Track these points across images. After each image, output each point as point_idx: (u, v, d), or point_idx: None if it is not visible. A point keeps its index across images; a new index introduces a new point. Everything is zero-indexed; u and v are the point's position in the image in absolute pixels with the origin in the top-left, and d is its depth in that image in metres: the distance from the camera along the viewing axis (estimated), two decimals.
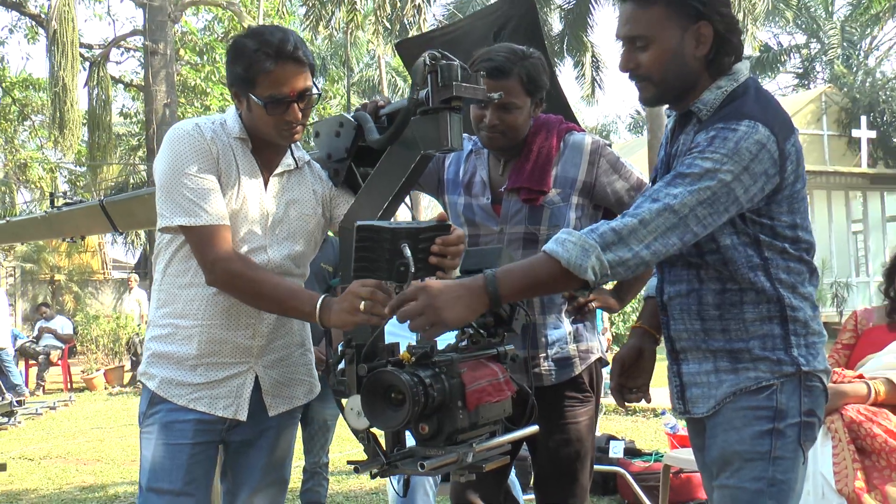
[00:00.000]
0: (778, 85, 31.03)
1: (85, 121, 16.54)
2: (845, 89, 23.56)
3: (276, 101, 2.38)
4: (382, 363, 2.10)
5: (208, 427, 2.47)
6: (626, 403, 2.47)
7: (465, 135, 2.76)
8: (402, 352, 2.14)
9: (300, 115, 2.44)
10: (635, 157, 20.70)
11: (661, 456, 5.29)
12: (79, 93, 15.33)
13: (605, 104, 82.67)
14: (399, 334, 2.26)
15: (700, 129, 2.14)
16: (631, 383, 2.39)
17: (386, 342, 2.23)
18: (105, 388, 14.58)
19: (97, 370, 15.07)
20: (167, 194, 2.40)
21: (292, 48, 2.38)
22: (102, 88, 16.28)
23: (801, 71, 30.34)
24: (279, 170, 2.56)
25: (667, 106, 2.36)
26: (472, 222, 2.87)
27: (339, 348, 2.22)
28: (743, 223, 2.11)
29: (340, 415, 5.03)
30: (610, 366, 2.46)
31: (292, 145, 2.59)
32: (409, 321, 2.00)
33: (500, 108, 2.69)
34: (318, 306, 2.26)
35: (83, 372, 15.22)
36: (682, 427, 5.53)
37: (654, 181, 2.30)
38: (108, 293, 26.46)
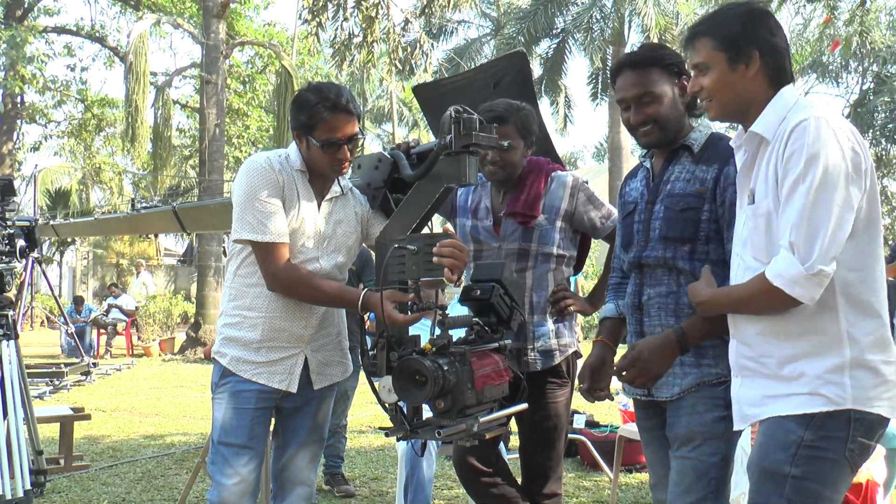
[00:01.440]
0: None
1: (150, 135, 16.50)
2: None
3: (331, 143, 2.49)
4: (409, 351, 2.17)
5: (267, 396, 2.55)
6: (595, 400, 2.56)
7: None
8: (423, 343, 2.20)
9: (349, 154, 2.53)
10: (598, 181, 20.80)
11: (616, 428, 5.35)
12: (147, 112, 15.27)
13: (574, 136, 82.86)
14: (419, 327, 2.34)
15: (695, 161, 2.32)
16: (597, 385, 2.49)
17: (410, 334, 2.30)
18: (159, 356, 14.57)
19: (153, 340, 15.06)
20: (241, 213, 2.48)
21: (345, 102, 2.49)
22: (165, 109, 16.25)
23: None
24: (329, 195, 2.64)
25: (643, 151, 2.49)
26: (477, 240, 2.95)
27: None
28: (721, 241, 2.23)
29: (357, 386, 5.13)
30: (580, 371, 2.56)
31: (339, 178, 2.67)
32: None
33: (501, 151, 2.77)
34: (360, 301, 2.41)
35: (142, 341, 15.20)
36: (632, 406, 5.59)
37: (631, 207, 2.44)
38: (161, 276, 26.40)
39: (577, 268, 3.08)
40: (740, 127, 2.06)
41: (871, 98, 22.58)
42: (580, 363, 2.74)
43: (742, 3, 2.02)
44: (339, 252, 2.64)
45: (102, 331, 14.58)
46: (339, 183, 2.67)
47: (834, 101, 24.19)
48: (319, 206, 2.61)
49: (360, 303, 2.40)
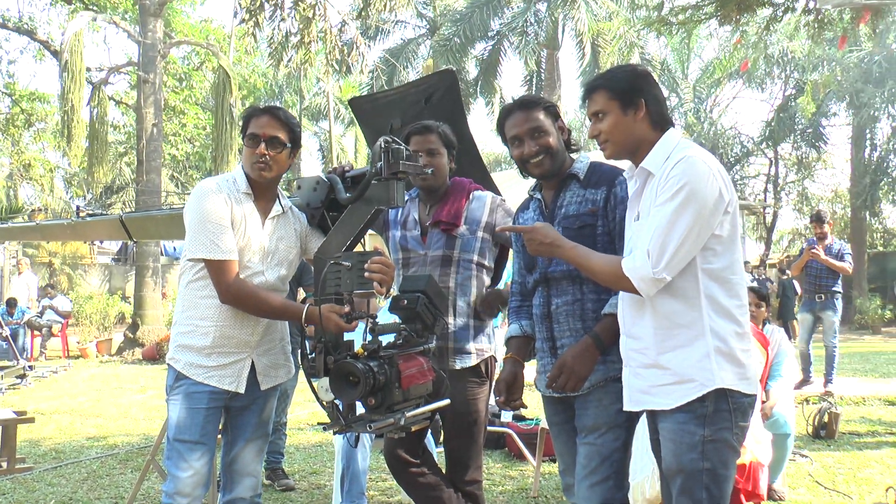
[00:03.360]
0: None
1: (86, 133, 16.27)
2: (694, 135, 24.36)
3: (252, 137, 2.81)
4: (344, 355, 2.43)
5: (217, 396, 2.80)
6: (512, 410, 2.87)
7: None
8: (356, 348, 2.47)
9: (266, 152, 2.79)
10: (530, 181, 21.20)
11: (539, 421, 5.66)
12: (82, 111, 15.09)
13: None
14: (353, 333, 2.62)
15: (583, 186, 2.71)
16: (511, 397, 2.80)
17: (345, 339, 2.55)
18: (96, 357, 14.43)
19: (90, 341, 14.90)
20: (195, 234, 2.74)
21: (272, 107, 2.87)
22: (101, 107, 16.06)
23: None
24: (272, 214, 2.90)
25: (532, 186, 2.88)
26: (405, 248, 3.24)
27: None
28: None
29: (296, 386, 5.33)
30: (495, 385, 2.85)
31: (280, 196, 2.93)
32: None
33: (428, 154, 3.15)
34: (304, 314, 2.68)
35: (78, 343, 15.02)
36: None
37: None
38: (95, 275, 25.90)
39: (494, 280, 3.36)
40: (630, 163, 2.45)
41: (793, 104, 23.61)
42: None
43: (629, 65, 2.48)
44: (282, 265, 2.91)
45: (36, 333, 14.37)
46: (280, 203, 2.93)
47: (759, 106, 25.10)
48: (264, 224, 2.87)
49: (303, 316, 2.67)
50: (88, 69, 17.88)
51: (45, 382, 10.74)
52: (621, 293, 2.41)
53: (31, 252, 23.47)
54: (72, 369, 12.45)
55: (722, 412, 2.20)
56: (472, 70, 23.74)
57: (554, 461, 5.56)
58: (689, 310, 2.23)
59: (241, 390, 2.83)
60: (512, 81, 31.02)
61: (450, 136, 3.25)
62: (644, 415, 2.45)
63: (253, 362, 2.87)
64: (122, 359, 13.87)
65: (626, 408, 2.41)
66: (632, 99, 2.34)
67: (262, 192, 2.88)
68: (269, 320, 2.88)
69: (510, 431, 5.80)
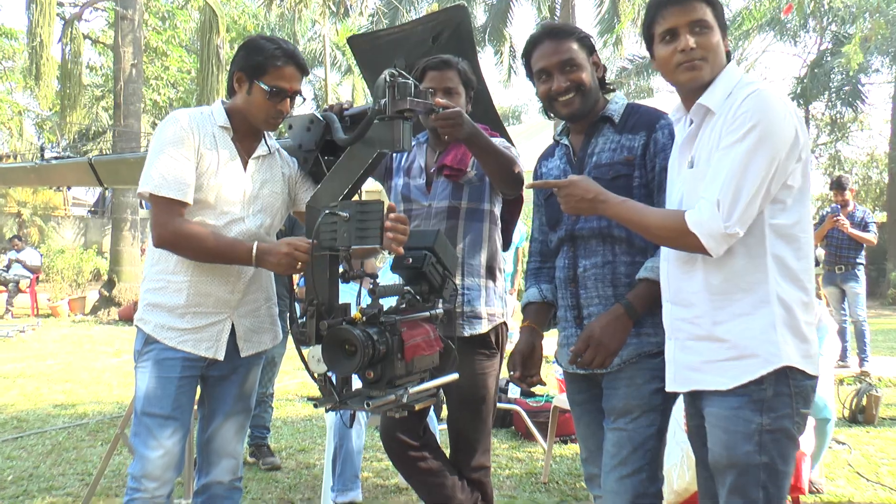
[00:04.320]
0: (666, 84, 31.43)
1: (57, 73, 16.00)
2: None
3: (279, 91, 2.60)
4: (339, 321, 2.25)
5: (192, 364, 2.62)
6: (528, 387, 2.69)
7: None
8: (353, 312, 2.29)
9: (289, 110, 2.64)
10: (543, 136, 20.93)
11: (551, 398, 5.55)
12: (53, 48, 14.81)
13: (519, 88, 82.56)
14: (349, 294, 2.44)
15: (618, 131, 2.49)
16: (528, 372, 2.63)
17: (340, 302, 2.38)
18: (69, 316, 14.33)
19: (62, 299, 14.80)
20: (147, 167, 2.56)
21: (300, 58, 2.65)
22: (74, 45, 15.77)
23: None
24: (256, 154, 2.71)
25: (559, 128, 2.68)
26: (407, 198, 3.07)
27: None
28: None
29: (284, 353, 5.21)
30: (509, 358, 2.69)
31: (266, 136, 2.76)
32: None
33: (446, 94, 2.95)
34: (254, 254, 2.49)
35: (49, 300, 14.92)
36: None
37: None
38: (70, 228, 25.75)
39: (506, 243, 3.21)
40: (678, 102, 2.24)
41: (829, 59, 23.22)
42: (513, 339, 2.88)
43: None
44: (266, 213, 2.72)
45: (2, 288, 14.27)
46: (266, 142, 2.75)
47: (791, 61, 24.72)
48: (245, 165, 2.69)
49: (253, 256, 2.49)
50: (60, 3, 17.59)
51: (9, 343, 10.67)
52: (663, 253, 2.22)
53: None
54: (41, 329, 12.39)
55: (782, 396, 2.01)
56: (480, 16, 23.38)
57: (566, 442, 5.53)
58: (753, 271, 2.04)
59: (220, 357, 2.66)
60: (523, 29, 30.68)
61: (470, 74, 3.07)
62: (680, 397, 2.27)
63: (233, 325, 2.69)
64: (96, 318, 13.78)
65: (669, 388, 2.23)
66: (723, 23, 2.15)
67: (246, 130, 2.69)
68: (251, 277, 2.70)
69: (518, 408, 5.68)
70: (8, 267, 14.57)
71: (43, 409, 6.65)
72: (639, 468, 2.34)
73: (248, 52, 2.64)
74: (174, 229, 2.52)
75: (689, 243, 2.03)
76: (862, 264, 8.42)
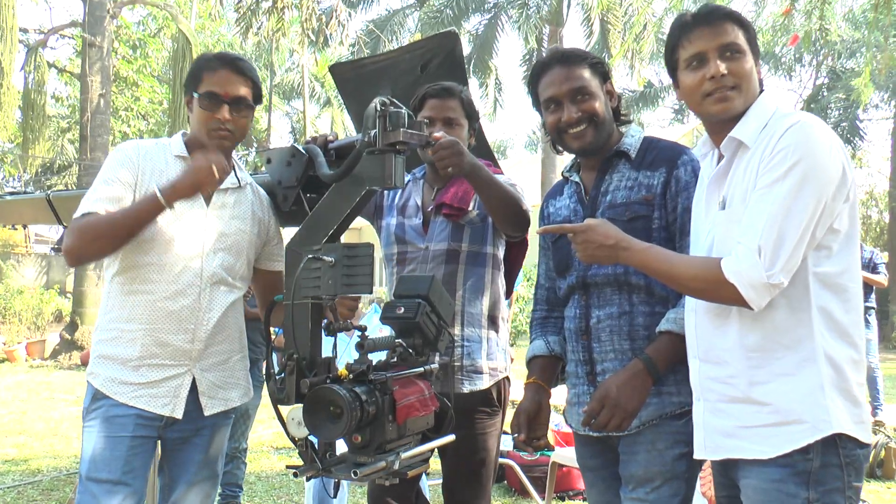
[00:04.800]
0: (657, 118, 31.84)
1: (19, 103, 15.87)
2: None
3: (212, 96, 2.50)
4: (323, 378, 2.11)
5: (147, 422, 2.46)
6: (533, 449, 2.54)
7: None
8: (339, 368, 2.14)
9: (229, 117, 2.52)
10: (529, 172, 21.00)
11: (549, 451, 5.39)
12: (15, 76, 14.69)
13: (504, 122, 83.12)
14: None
15: (635, 167, 2.36)
16: (534, 434, 2.47)
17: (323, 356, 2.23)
18: (26, 360, 14.02)
19: (19, 342, 14.48)
20: (89, 191, 2.48)
21: (237, 59, 2.56)
22: (39, 73, 15.66)
23: (677, 107, 31.23)
24: (222, 186, 2.58)
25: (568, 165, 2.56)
26: (401, 240, 2.93)
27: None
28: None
29: (259, 404, 5.03)
30: (513, 419, 2.54)
31: (236, 168, 2.65)
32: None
33: (446, 125, 2.83)
34: (158, 194, 2.35)
35: (4, 344, 14.60)
36: (564, 424, 5.64)
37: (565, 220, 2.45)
38: (31, 266, 25.39)
39: (508, 290, 3.07)
40: (704, 135, 2.12)
41: (826, 94, 23.49)
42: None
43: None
44: (229, 252, 2.59)
45: None
46: (235, 174, 2.64)
47: (786, 96, 25.05)
48: (210, 199, 2.58)
49: (160, 197, 2.35)
50: (24, 30, 17.50)
51: None
52: (690, 304, 2.07)
53: None
54: None
55: (831, 468, 1.86)
56: (465, 46, 23.51)
57: (563, 499, 5.38)
58: (796, 326, 1.89)
59: (178, 415, 2.49)
60: (509, 60, 30.94)
61: (473, 104, 2.96)
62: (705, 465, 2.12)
63: (194, 379, 2.52)
64: (56, 363, 13.48)
65: (698, 455, 2.07)
66: (756, 49, 2.04)
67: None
68: (215, 324, 2.53)
69: (511, 463, 5.51)
70: None
71: None
72: None
73: (190, 70, 2.60)
74: (70, 229, 2.41)
75: (726, 295, 1.89)
76: (873, 308, 8.33)
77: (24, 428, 7.90)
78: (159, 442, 2.56)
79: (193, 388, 2.52)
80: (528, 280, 14.10)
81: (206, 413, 2.54)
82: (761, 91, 2.04)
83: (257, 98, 2.61)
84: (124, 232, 2.39)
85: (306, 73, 25.52)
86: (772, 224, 1.83)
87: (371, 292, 2.15)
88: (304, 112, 26.08)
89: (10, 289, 17.42)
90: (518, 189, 2.88)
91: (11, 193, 4.52)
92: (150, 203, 2.36)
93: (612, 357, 2.32)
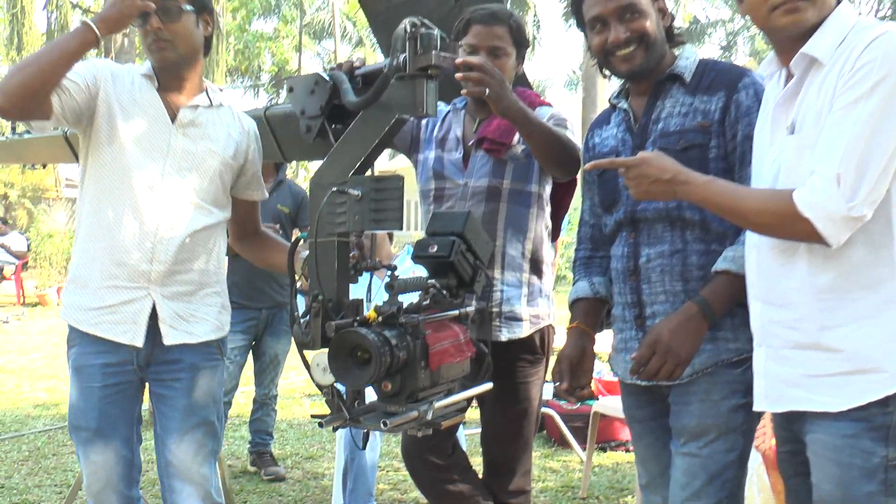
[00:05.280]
0: (703, 55, 31.15)
1: (41, 44, 15.89)
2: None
3: (142, 13, 2.41)
4: (349, 322, 2.02)
5: (116, 369, 2.44)
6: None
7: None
8: (367, 311, 2.04)
9: (158, 24, 2.43)
10: (569, 113, 20.65)
11: (591, 401, 5.31)
12: (36, 15, 14.67)
13: (543, 61, 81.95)
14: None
15: (690, 91, 2.20)
16: (577, 383, 2.37)
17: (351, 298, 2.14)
18: (57, 304, 14.21)
19: (50, 286, 14.70)
20: None
21: None
22: (61, 14, 15.63)
23: (724, 44, 30.49)
24: (190, 103, 2.54)
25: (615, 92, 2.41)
26: (439, 175, 2.83)
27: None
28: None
29: (289, 350, 5.01)
30: (554, 367, 2.44)
31: (210, 89, 2.61)
32: None
33: (491, 54, 2.67)
34: (91, 23, 2.31)
35: (36, 287, 14.82)
36: (606, 372, 5.56)
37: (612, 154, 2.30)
38: (62, 211, 25.72)
39: (555, 232, 2.96)
40: (771, 53, 1.96)
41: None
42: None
43: None
44: (196, 172, 2.52)
45: None
46: (208, 94, 2.58)
47: None
48: (174, 116, 2.52)
49: (94, 27, 2.29)
50: None
51: None
52: (752, 240, 1.93)
53: None
54: (26, 319, 12.32)
55: None
56: None
57: (605, 450, 5.32)
58: (876, 265, 1.73)
59: (139, 343, 2.43)
60: None
61: (523, 31, 2.80)
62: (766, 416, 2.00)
63: (155, 305, 2.45)
64: None
65: (758, 406, 1.94)
66: None
67: (175, 80, 2.53)
68: (178, 247, 2.47)
69: (551, 412, 5.44)
70: None
71: (22, 409, 6.51)
72: (716, 503, 2.07)
73: None
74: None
75: (799, 230, 1.73)
76: None
77: (55, 372, 7.99)
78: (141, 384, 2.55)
79: (154, 317, 2.45)
80: (569, 224, 13.85)
81: (166, 342, 2.47)
82: (838, 2, 1.85)
83: (199, 4, 2.50)
84: (51, 59, 2.30)
85: (337, 12, 25.23)
86: (853, 149, 1.67)
87: (401, 228, 2.04)
88: (335, 53, 25.81)
89: (40, 233, 17.65)
90: (568, 125, 2.74)
91: (28, 132, 4.47)
92: (81, 31, 2.31)
93: (663, 299, 2.19)
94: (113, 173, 2.43)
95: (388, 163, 22.03)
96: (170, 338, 2.46)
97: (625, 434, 5.32)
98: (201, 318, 2.54)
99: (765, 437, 3.23)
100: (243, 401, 6.12)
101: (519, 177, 2.74)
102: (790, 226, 1.73)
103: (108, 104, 2.44)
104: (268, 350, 4.87)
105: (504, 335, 2.73)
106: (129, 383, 2.46)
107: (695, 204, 2.01)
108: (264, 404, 4.91)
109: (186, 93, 2.54)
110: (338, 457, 3.89)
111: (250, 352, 4.86)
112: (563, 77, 44.43)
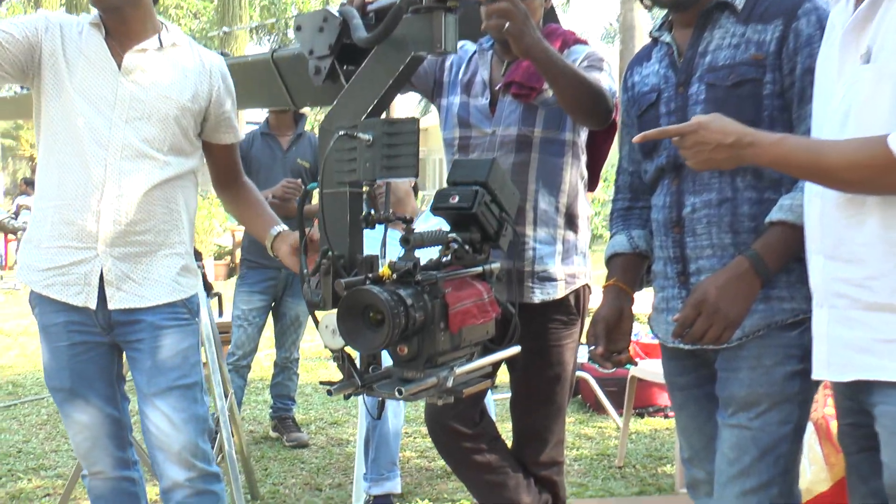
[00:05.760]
0: None
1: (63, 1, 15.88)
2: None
3: None
4: (361, 279, 1.89)
5: (81, 328, 2.39)
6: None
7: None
8: (381, 267, 1.92)
9: None
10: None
11: (629, 364, 5.20)
12: None
13: (578, 12, 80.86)
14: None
15: (742, 20, 2.02)
16: (614, 346, 2.22)
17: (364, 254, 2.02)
18: None
19: None
20: None
21: None
22: None
23: None
24: (137, 47, 2.41)
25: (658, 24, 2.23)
26: (465, 123, 2.70)
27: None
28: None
29: None
30: (588, 328, 2.29)
31: (165, 29, 2.49)
32: None
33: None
34: None
35: None
36: (644, 334, 5.42)
37: (652, 98, 2.12)
38: None
39: (592, 183, 2.81)
40: None
41: None
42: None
43: None
44: (148, 120, 2.40)
45: (11, 237, 14.33)
46: (159, 38, 2.45)
47: None
48: (120, 63, 2.40)
49: None
50: None
51: (16, 296, 10.71)
52: (812, 188, 1.75)
53: (8, 143, 23.49)
54: None
55: None
56: None
57: (642, 416, 5.23)
58: None
59: (92, 305, 2.36)
60: None
61: None
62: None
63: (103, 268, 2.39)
64: None
65: (818, 374, 1.77)
66: None
67: (121, 25, 2.40)
68: (131, 203, 2.36)
69: (586, 376, 5.32)
70: (16, 213, 14.58)
71: (42, 372, 6.49)
72: (768, 481, 1.93)
73: None
74: None
75: (891, 182, 1.55)
76: None
77: None
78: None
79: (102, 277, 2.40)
80: (604, 181, 13.55)
81: (111, 306, 2.37)
82: None
83: None
84: None
85: None
86: None
87: (416, 175, 1.91)
88: None
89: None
90: (604, 66, 2.56)
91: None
92: None
93: (710, 254, 2.02)
94: (60, 128, 2.37)
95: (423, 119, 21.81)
96: (115, 301, 2.38)
97: (663, 399, 5.20)
98: (155, 280, 2.44)
99: (817, 406, 3.08)
100: (267, 364, 6.07)
101: (551, 124, 2.59)
102: (884, 177, 1.56)
103: (54, 56, 2.35)
104: (288, 311, 4.78)
105: (537, 296, 2.61)
106: (97, 343, 2.41)
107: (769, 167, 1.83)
108: (286, 368, 4.83)
109: (135, 37, 2.42)
110: (360, 424, 3.82)
111: (270, 313, 4.77)
112: (599, 30, 43.76)
